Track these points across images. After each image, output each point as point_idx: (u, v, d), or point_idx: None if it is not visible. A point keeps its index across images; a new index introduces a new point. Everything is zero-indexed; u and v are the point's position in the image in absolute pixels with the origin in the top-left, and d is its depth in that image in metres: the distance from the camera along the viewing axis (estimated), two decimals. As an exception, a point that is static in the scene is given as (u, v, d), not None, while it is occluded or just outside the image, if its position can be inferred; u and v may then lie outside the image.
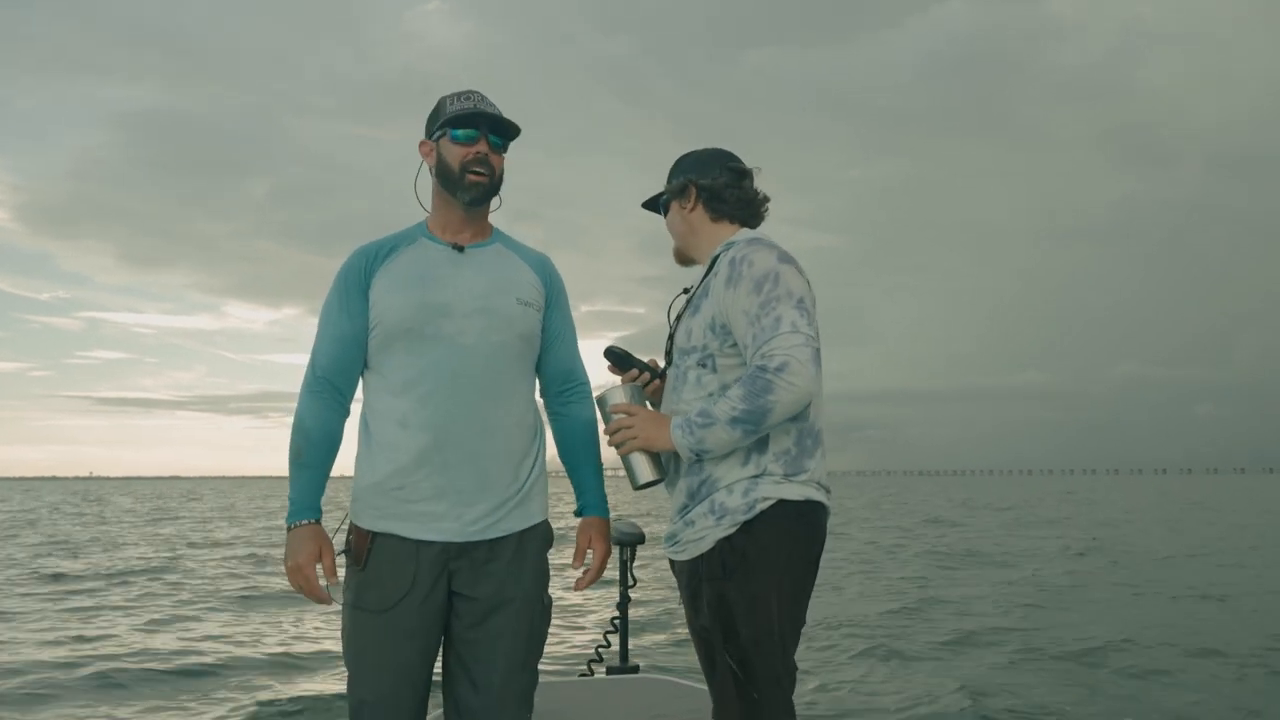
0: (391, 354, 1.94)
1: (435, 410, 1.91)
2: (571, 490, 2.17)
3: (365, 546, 1.92)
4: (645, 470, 1.98)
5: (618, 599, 2.77)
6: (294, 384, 2.02)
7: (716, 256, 2.04)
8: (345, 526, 1.98)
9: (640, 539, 2.70)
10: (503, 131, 2.01)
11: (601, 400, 2.03)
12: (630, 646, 2.93)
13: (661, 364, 2.13)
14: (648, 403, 2.11)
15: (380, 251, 2.00)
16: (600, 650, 2.84)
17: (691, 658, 2.11)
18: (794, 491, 1.90)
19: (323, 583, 1.94)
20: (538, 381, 2.13)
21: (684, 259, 2.17)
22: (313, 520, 1.93)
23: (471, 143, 1.98)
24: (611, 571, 2.45)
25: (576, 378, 2.15)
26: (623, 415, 1.98)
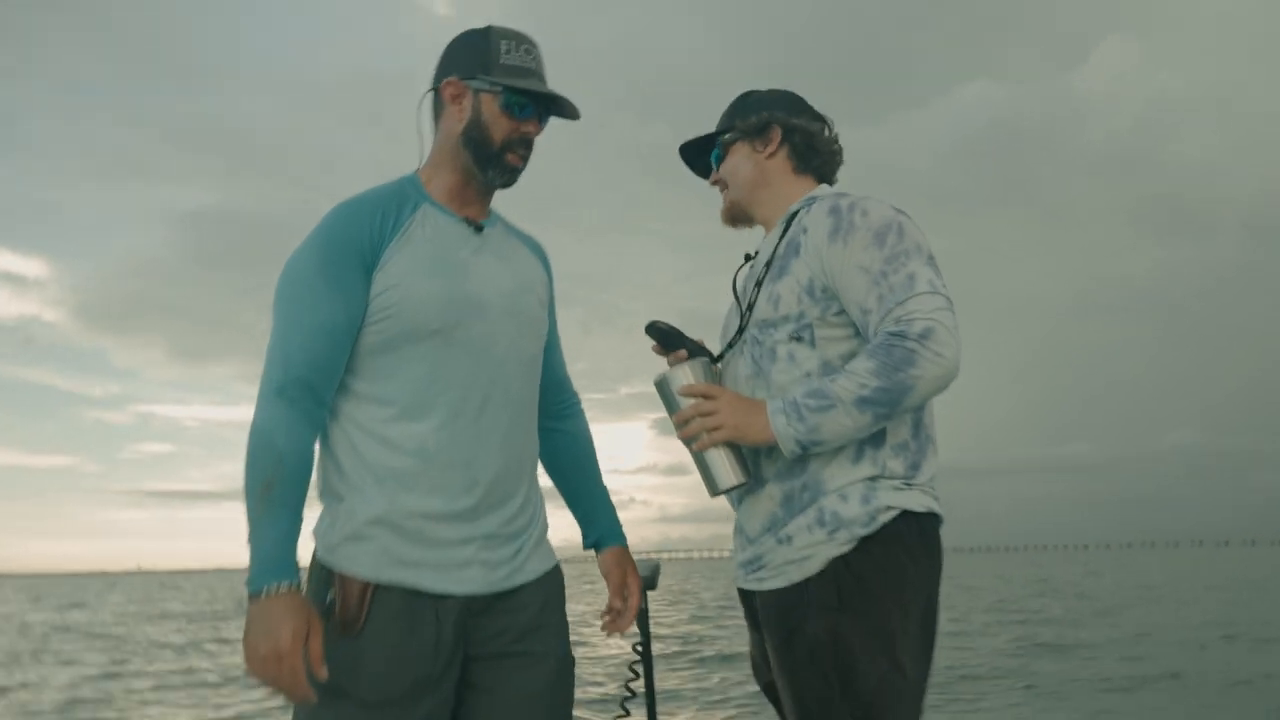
0: (403, 360, 1.49)
1: (464, 439, 1.51)
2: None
3: (362, 603, 1.44)
4: (728, 471, 1.57)
5: (637, 654, 2.42)
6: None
7: (794, 214, 1.68)
8: (310, 580, 1.49)
9: (649, 584, 2.27)
10: (561, 114, 1.63)
11: (664, 383, 1.62)
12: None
13: (715, 349, 1.74)
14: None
15: (386, 215, 1.51)
16: (626, 703, 2.45)
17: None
18: (917, 500, 1.56)
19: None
20: None
21: (740, 216, 1.79)
22: (292, 584, 1.38)
23: (526, 119, 1.57)
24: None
25: (571, 389, 1.83)
26: (699, 400, 1.58)
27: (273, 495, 1.40)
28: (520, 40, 1.58)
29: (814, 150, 1.74)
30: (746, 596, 1.69)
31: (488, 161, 1.56)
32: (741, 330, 1.67)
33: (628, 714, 2.30)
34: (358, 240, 1.48)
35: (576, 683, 1.66)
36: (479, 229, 1.58)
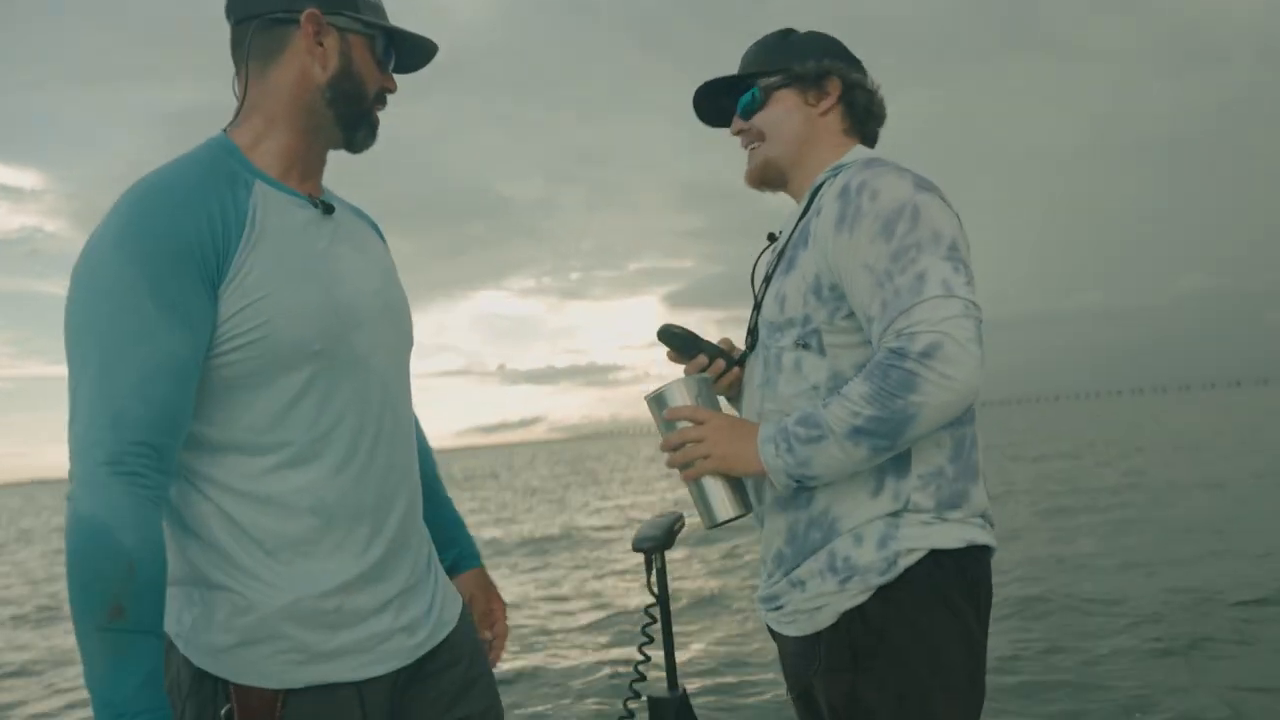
0: (277, 394, 1.18)
1: (364, 479, 1.25)
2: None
3: (272, 716, 1.17)
4: (724, 501, 1.42)
5: (650, 619, 2.20)
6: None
7: (820, 185, 1.48)
8: (186, 693, 1.17)
9: (664, 543, 2.06)
10: (404, 65, 1.36)
11: (658, 401, 1.45)
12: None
13: (741, 348, 1.57)
14: (722, 402, 1.52)
15: (225, 205, 1.16)
16: (634, 685, 2.41)
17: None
18: (950, 535, 1.35)
19: None
20: None
21: (774, 177, 1.55)
22: None
23: (389, 70, 1.32)
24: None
25: None
26: (689, 423, 1.42)
27: (127, 620, 1.05)
28: None
29: (870, 114, 1.53)
30: (774, 634, 1.54)
31: (359, 120, 1.29)
32: (754, 331, 1.51)
33: (643, 678, 2.23)
34: (196, 244, 1.12)
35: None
36: (329, 209, 1.28)
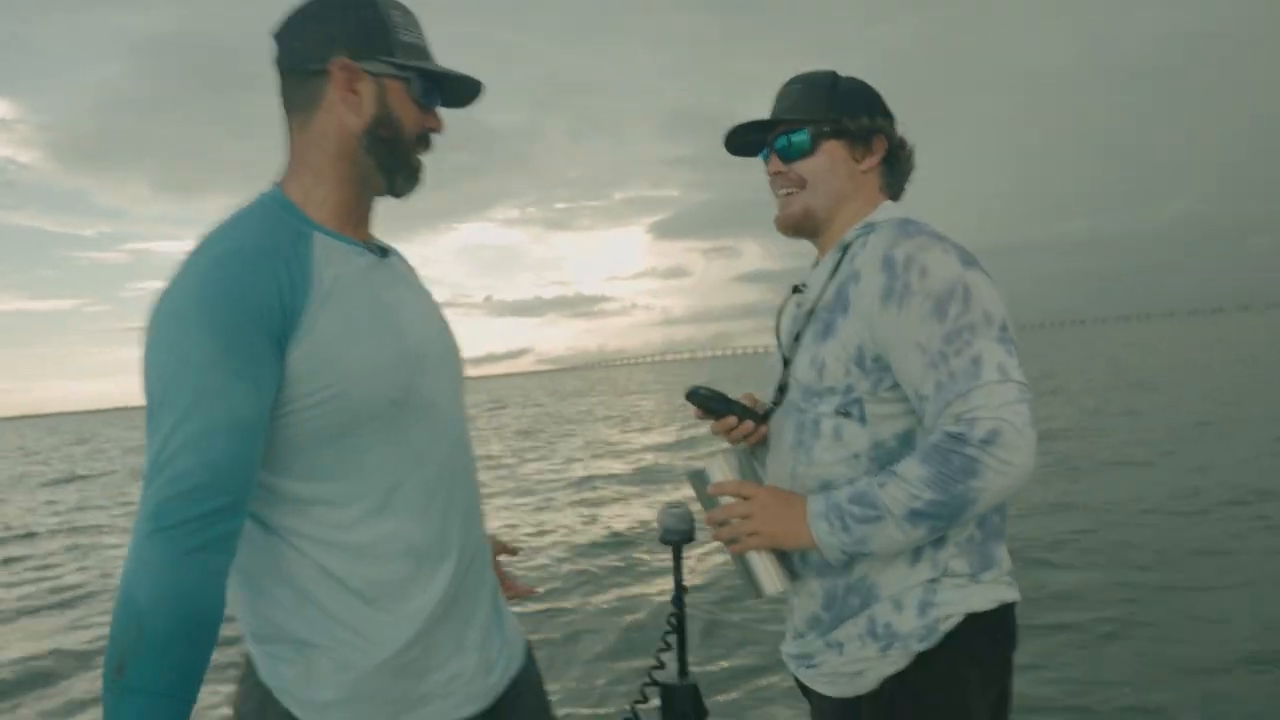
0: (360, 445, 1.20)
1: (447, 517, 1.27)
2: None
3: None
4: (773, 576, 1.44)
5: (675, 610, 2.33)
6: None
7: (849, 243, 1.48)
8: None
9: (689, 536, 2.20)
10: (454, 102, 1.34)
11: (699, 477, 1.48)
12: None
13: (767, 401, 1.57)
14: (758, 469, 1.54)
15: (291, 264, 1.17)
16: (654, 672, 2.40)
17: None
18: (985, 597, 1.39)
19: None
20: None
21: (811, 227, 1.54)
22: None
23: (432, 111, 1.30)
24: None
25: None
26: (734, 499, 1.44)
27: (125, 679, 1.04)
28: (407, 11, 1.27)
29: (905, 175, 1.56)
30: (804, 690, 1.56)
31: (399, 165, 1.27)
32: (784, 388, 1.51)
33: (662, 666, 2.37)
34: (265, 306, 1.12)
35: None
36: (384, 254, 1.31)
